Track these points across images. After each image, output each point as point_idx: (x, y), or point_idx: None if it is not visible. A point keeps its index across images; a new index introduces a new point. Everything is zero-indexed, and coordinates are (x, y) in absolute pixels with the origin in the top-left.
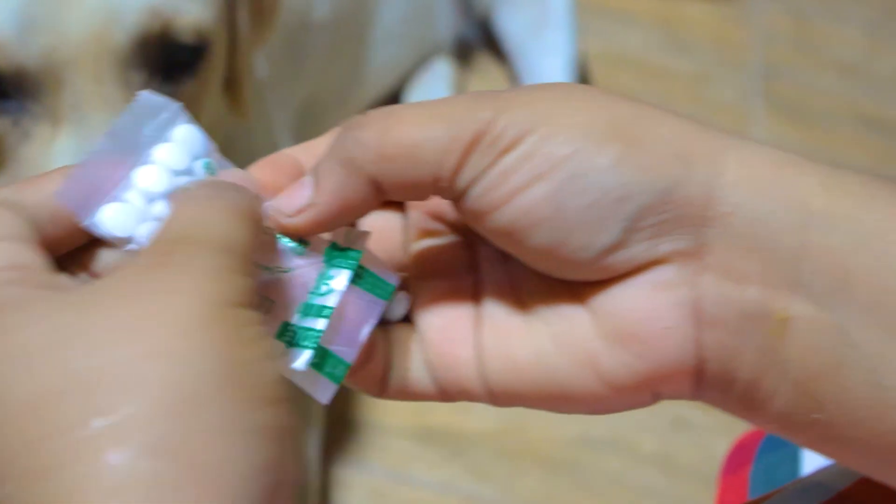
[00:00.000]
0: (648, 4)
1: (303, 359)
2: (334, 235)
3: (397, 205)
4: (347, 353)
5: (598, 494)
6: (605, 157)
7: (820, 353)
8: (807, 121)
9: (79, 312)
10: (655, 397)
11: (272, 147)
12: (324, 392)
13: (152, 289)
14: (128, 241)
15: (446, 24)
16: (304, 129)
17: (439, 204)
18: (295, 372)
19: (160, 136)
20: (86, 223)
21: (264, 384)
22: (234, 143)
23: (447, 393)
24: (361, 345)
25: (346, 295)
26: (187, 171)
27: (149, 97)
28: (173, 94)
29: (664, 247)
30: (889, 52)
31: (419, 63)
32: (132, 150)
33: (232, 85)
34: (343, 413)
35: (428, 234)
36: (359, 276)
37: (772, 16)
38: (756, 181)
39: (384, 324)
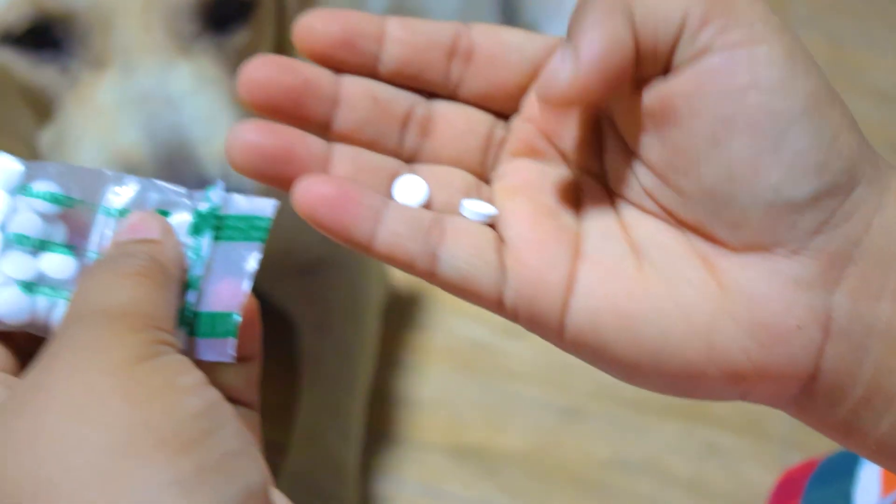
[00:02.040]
0: None
1: (182, 334)
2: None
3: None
4: (232, 304)
5: None
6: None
7: None
8: None
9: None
10: (744, 395)
11: None
12: (224, 351)
13: (50, 385)
14: None
15: None
16: None
17: (555, 126)
18: (190, 351)
19: None
20: None
21: (180, 429)
22: None
23: (511, 309)
24: (246, 293)
25: (213, 254)
26: (13, 210)
27: None
28: (226, 46)
29: (819, 241)
30: None
31: None
32: None
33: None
34: (379, 428)
35: (532, 151)
36: (219, 229)
37: (808, 42)
38: None
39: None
